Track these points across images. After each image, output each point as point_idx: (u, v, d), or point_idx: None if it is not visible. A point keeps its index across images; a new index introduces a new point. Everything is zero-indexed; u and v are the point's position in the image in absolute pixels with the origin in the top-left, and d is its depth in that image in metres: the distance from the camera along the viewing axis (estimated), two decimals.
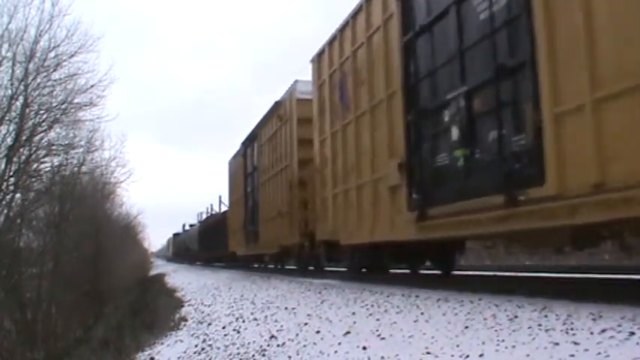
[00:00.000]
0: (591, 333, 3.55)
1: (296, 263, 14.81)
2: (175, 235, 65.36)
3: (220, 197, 38.37)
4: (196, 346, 6.96)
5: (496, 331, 4.12)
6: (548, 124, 4.89)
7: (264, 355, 5.37)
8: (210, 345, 6.72)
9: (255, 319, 7.36)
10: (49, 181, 16.55)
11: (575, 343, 3.40)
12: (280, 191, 13.98)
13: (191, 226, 50.89)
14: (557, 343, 3.48)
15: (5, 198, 14.67)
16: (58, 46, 15.30)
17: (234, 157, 21.26)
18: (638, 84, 4.08)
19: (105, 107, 19.72)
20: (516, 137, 5.38)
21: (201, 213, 49.36)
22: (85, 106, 16.33)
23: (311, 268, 13.53)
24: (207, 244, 33.38)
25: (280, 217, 13.82)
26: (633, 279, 7.00)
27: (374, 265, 9.55)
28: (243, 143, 18.95)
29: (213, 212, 41.18)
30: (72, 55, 15.51)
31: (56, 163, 16.76)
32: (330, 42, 10.22)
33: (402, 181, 7.34)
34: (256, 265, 21.06)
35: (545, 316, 4.24)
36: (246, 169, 18.56)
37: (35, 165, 15.95)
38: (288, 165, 13.24)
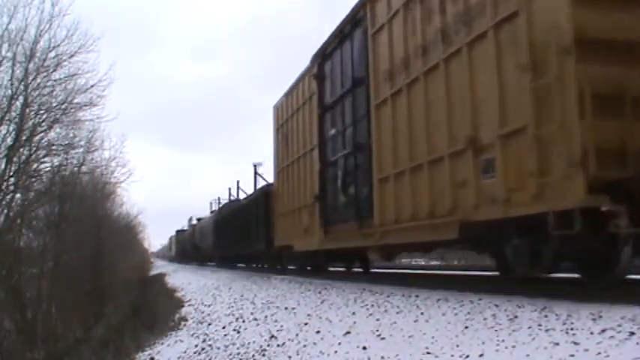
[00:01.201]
0: (591, 333, 3.55)
1: (521, 263, 6.14)
2: (179, 232, 57.30)
3: (255, 167, 29.40)
4: (196, 346, 6.97)
5: (496, 331, 4.12)
6: None
7: (264, 355, 5.38)
8: (210, 345, 6.73)
9: (255, 319, 7.36)
10: (49, 181, 16.58)
11: (575, 343, 3.40)
12: (471, 98, 6.11)
13: (199, 220, 41.32)
14: (557, 343, 3.48)
15: (5, 198, 14.70)
16: (58, 46, 15.37)
17: (288, 93, 13.56)
18: None
19: (105, 107, 19.67)
20: None
21: (218, 199, 39.10)
22: (85, 106, 16.40)
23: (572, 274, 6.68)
24: (228, 239, 24.81)
25: (473, 156, 6.07)
26: (633, 279, 6.99)
27: None
28: (317, 55, 11.33)
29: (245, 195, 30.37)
30: (72, 55, 15.58)
31: (56, 163, 16.83)
32: None
33: None
34: (360, 270, 12.68)
35: (545, 316, 4.24)
36: (324, 97, 10.96)
37: (35, 165, 16.00)
38: (520, 9, 5.34)
